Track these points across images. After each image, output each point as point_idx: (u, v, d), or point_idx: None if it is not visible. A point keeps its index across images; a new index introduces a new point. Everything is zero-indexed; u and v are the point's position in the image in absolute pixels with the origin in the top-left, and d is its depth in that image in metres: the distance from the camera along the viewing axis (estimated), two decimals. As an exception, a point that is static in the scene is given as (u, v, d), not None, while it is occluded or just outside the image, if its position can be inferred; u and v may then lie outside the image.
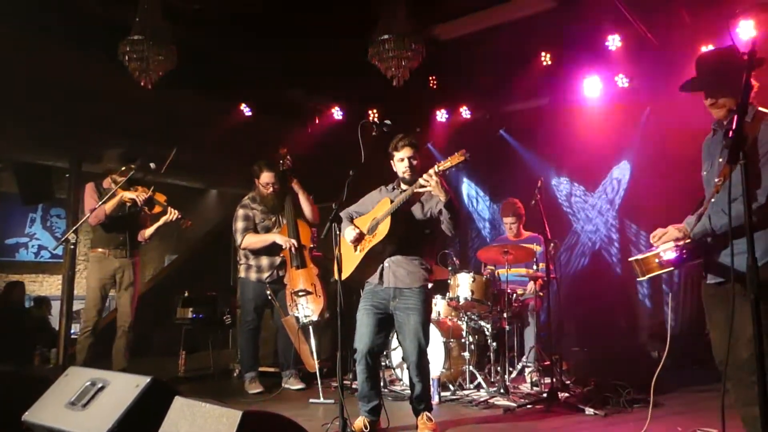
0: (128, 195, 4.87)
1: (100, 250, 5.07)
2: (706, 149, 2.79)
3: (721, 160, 2.59)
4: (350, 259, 3.87)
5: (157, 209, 5.04)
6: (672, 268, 2.65)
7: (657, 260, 2.63)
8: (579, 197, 7.30)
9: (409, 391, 3.91)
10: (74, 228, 4.62)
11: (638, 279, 2.76)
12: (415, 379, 3.75)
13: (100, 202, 4.75)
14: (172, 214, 5.01)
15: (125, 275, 5.06)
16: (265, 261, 5.28)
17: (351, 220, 4.00)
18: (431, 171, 3.49)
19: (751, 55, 2.03)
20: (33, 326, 7.60)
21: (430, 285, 3.84)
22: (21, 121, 6.64)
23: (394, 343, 5.09)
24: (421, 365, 3.73)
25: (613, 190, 7.01)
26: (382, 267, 3.81)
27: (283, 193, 5.31)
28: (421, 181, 3.53)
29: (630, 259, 2.81)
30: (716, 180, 2.36)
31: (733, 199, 2.18)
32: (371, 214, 3.90)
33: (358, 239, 3.82)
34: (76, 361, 4.79)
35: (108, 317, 6.39)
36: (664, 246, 2.60)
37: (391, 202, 3.75)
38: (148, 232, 5.21)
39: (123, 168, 4.81)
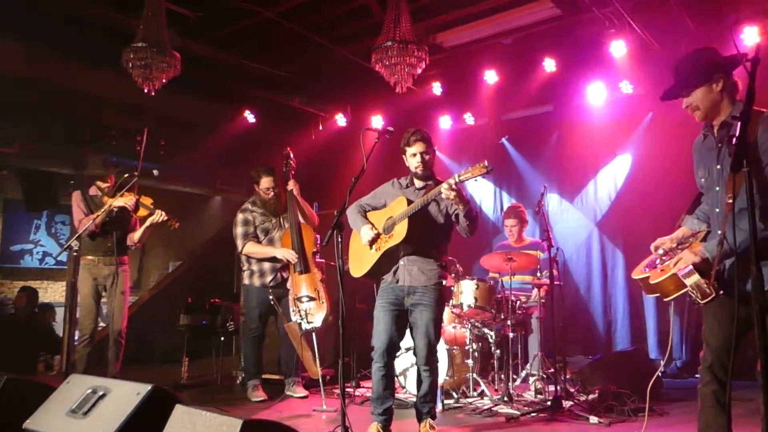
0: (117, 203, 4.81)
1: (89, 257, 4.98)
2: (697, 153, 2.72)
3: (719, 167, 2.52)
4: (365, 257, 3.84)
5: (144, 212, 4.99)
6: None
7: (677, 283, 2.47)
8: (581, 202, 7.26)
9: (412, 399, 3.89)
10: (77, 235, 4.62)
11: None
12: (424, 373, 3.74)
13: (92, 219, 4.70)
14: (159, 216, 4.98)
15: (115, 282, 4.96)
16: (267, 265, 5.25)
17: (364, 213, 3.95)
18: (451, 182, 3.44)
19: (754, 62, 2.01)
20: (37, 333, 7.59)
21: (444, 282, 3.81)
22: (26, 128, 6.68)
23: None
24: (430, 360, 3.72)
25: (617, 194, 6.96)
26: (397, 266, 3.79)
27: (283, 195, 5.28)
28: (442, 189, 3.47)
29: (641, 278, 2.64)
30: (728, 200, 2.16)
31: (739, 210, 2.13)
32: (387, 212, 3.86)
33: (375, 240, 3.79)
34: (76, 371, 4.75)
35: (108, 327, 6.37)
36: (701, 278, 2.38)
37: (408, 202, 3.72)
38: (137, 235, 5.14)
39: (126, 175, 4.81)
